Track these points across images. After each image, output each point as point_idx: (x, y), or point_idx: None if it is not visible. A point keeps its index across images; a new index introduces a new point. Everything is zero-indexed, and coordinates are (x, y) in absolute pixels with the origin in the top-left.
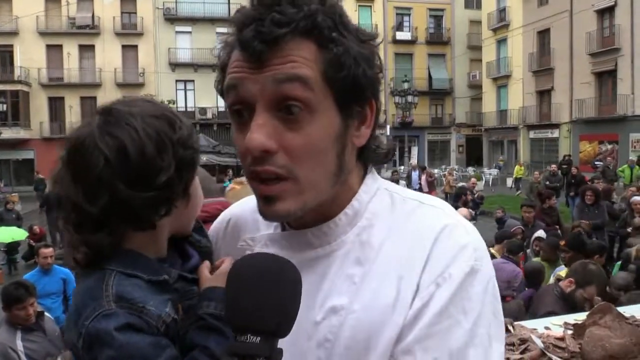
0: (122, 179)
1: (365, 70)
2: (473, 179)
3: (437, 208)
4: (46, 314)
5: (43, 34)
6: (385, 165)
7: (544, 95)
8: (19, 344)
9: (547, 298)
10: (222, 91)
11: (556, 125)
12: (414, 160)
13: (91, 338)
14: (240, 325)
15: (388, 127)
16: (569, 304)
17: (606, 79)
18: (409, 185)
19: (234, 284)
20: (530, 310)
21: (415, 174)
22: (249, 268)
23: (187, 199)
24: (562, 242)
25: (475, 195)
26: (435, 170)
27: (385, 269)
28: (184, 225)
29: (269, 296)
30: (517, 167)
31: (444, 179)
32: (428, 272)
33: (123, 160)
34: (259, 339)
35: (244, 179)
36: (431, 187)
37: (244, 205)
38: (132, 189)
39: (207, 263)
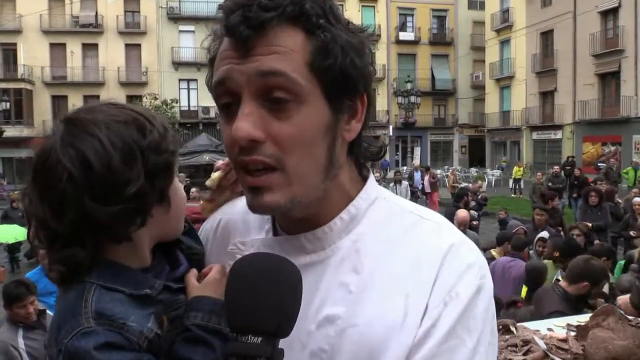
0: (87, 193)
1: (354, 60)
2: (479, 181)
3: (438, 224)
4: (48, 312)
5: (47, 32)
6: (388, 167)
7: (547, 96)
8: (21, 342)
9: (549, 299)
10: (211, 87)
11: (559, 127)
12: (416, 161)
13: (71, 356)
14: (240, 326)
15: (391, 127)
16: (572, 304)
17: (610, 80)
18: (411, 185)
19: (234, 284)
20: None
21: (417, 174)
22: (249, 268)
23: (165, 204)
24: (556, 253)
25: (479, 197)
26: (438, 171)
27: (388, 283)
28: (167, 231)
29: (269, 296)
30: (515, 168)
31: (446, 179)
32: (437, 292)
33: (87, 174)
34: (260, 339)
35: (209, 194)
36: (434, 187)
37: (234, 207)
38: (99, 203)
39: (194, 271)
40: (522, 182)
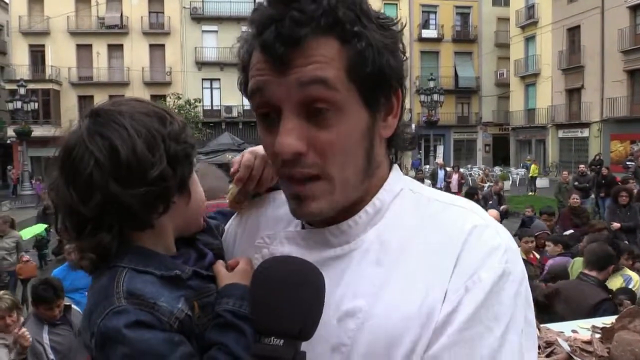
0: (113, 178)
1: (389, 60)
2: (500, 183)
3: (465, 209)
4: (74, 306)
5: (73, 33)
6: (419, 167)
7: (573, 93)
8: (45, 337)
9: (589, 290)
10: (246, 92)
11: (586, 125)
12: (439, 159)
13: (103, 336)
14: (264, 328)
15: (413, 125)
16: (607, 291)
17: (639, 77)
18: (434, 184)
19: (258, 287)
20: (562, 307)
21: (441, 173)
22: (274, 271)
23: (186, 195)
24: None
25: (500, 198)
26: (461, 170)
27: (411, 274)
28: (188, 223)
29: (293, 300)
30: (532, 166)
31: (476, 178)
32: (457, 276)
33: (114, 159)
34: (282, 341)
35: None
36: (461, 188)
37: (265, 201)
38: (124, 186)
39: (221, 261)
40: (537, 181)
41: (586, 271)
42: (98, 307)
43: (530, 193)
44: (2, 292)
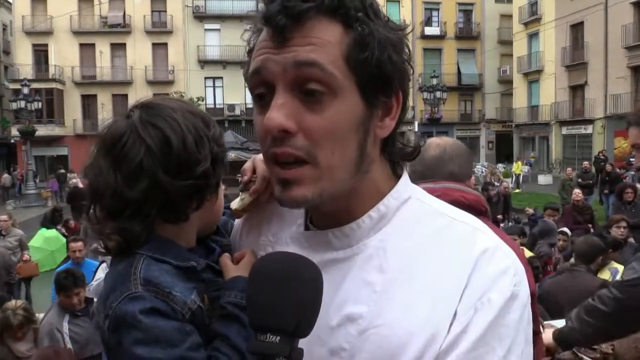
0: (162, 168)
1: (391, 55)
2: (505, 183)
3: (472, 227)
4: (96, 300)
5: (76, 33)
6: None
7: (577, 90)
8: (65, 326)
9: (581, 278)
10: (247, 78)
11: (590, 121)
12: None
13: (117, 319)
14: (259, 324)
15: (416, 123)
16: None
17: None
18: None
19: (254, 283)
20: (562, 297)
21: None
22: (270, 267)
23: (216, 194)
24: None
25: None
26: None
27: (415, 285)
28: (211, 220)
29: (289, 296)
30: (515, 164)
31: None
32: (467, 297)
33: (165, 150)
34: (278, 338)
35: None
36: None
37: (271, 202)
38: (172, 177)
39: (227, 254)
40: (520, 177)
41: (576, 265)
42: (115, 291)
43: (517, 190)
44: (18, 303)
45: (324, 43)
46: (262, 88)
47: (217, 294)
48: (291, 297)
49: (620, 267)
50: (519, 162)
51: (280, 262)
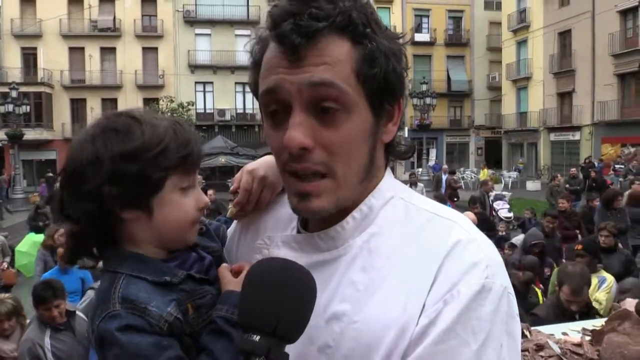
0: (66, 190)
1: (395, 66)
2: (489, 183)
3: (451, 221)
4: (78, 313)
5: (66, 36)
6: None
7: (564, 97)
8: (47, 342)
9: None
10: (255, 91)
11: (577, 128)
12: (432, 162)
13: (100, 337)
14: (244, 323)
15: (406, 129)
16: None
17: (629, 80)
18: (437, 189)
19: (246, 285)
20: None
21: (445, 177)
22: (259, 270)
23: (148, 212)
24: (579, 246)
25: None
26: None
27: (393, 282)
28: (165, 238)
29: (271, 298)
30: (482, 172)
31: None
32: (436, 289)
33: (66, 171)
34: (258, 337)
35: (236, 198)
36: (453, 194)
37: (270, 203)
38: (71, 198)
39: (226, 265)
40: (528, 184)
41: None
42: (97, 310)
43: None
44: (6, 295)
45: (336, 62)
46: (275, 105)
47: (203, 302)
48: (273, 299)
49: (608, 276)
50: (485, 170)
51: (272, 267)
